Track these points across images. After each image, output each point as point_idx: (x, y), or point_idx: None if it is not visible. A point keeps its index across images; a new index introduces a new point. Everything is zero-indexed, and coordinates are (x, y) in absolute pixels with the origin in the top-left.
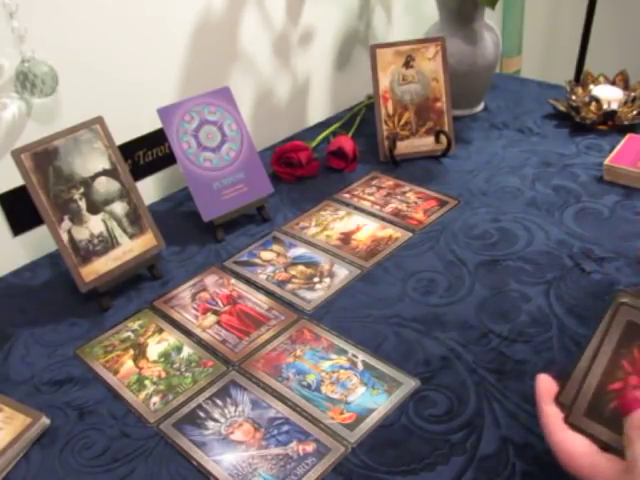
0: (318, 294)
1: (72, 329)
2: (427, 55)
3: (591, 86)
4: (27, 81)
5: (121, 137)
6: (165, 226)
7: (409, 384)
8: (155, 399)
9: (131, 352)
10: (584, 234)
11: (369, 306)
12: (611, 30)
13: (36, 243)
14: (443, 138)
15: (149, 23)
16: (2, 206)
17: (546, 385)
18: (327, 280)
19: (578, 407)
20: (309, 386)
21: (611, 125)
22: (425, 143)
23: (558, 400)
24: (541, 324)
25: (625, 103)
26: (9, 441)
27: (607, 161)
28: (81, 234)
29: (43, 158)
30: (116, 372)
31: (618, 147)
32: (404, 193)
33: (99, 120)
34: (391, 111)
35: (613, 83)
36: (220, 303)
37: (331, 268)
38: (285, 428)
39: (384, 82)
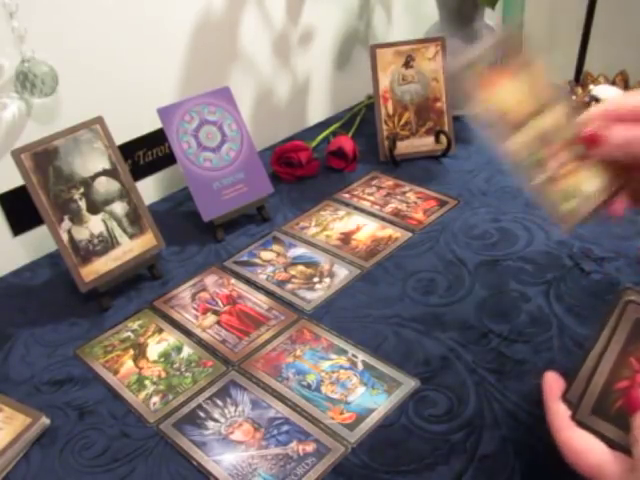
0: (318, 294)
1: (72, 329)
2: (427, 55)
3: (591, 86)
4: (27, 81)
5: (121, 137)
6: (165, 226)
7: (409, 384)
8: (155, 399)
9: (131, 352)
10: (584, 234)
11: (369, 306)
12: (611, 30)
13: (36, 243)
14: (443, 138)
15: (149, 23)
16: (2, 206)
17: (553, 383)
18: (327, 280)
19: (585, 405)
20: (309, 386)
21: None
22: (425, 143)
23: (565, 398)
24: (541, 324)
25: None
26: (9, 441)
27: None
28: (81, 234)
29: (43, 158)
30: (116, 372)
31: None
32: (404, 193)
33: (99, 120)
34: (391, 111)
35: (613, 83)
36: (220, 303)
37: (331, 268)
38: (285, 428)
39: (384, 82)
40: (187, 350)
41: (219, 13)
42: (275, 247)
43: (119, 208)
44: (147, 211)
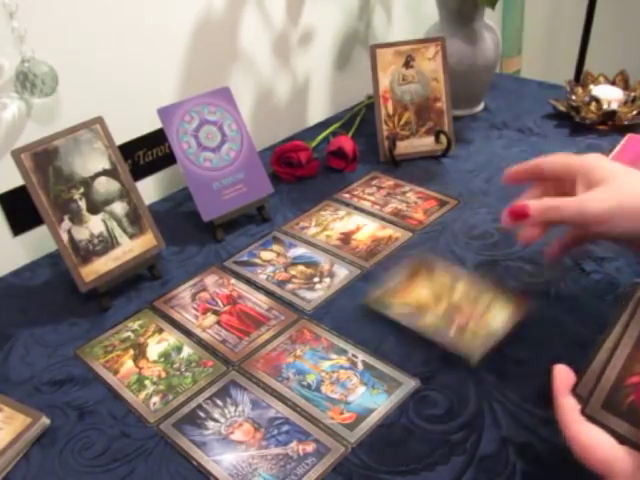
0: (318, 294)
1: (72, 329)
2: (427, 55)
3: (591, 86)
4: (27, 81)
5: (121, 137)
6: (165, 226)
7: (409, 384)
8: (155, 399)
9: (131, 352)
10: None
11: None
12: (611, 30)
13: (36, 243)
14: (443, 138)
15: (149, 23)
16: (2, 206)
17: (563, 376)
18: (327, 280)
19: (595, 399)
20: (309, 386)
21: (611, 125)
22: (425, 143)
23: (575, 392)
24: (541, 324)
25: (625, 103)
26: (9, 441)
27: None
28: (81, 234)
29: (43, 158)
30: (116, 372)
31: (618, 147)
32: (404, 193)
33: (99, 120)
34: (391, 111)
35: (613, 83)
36: (220, 303)
37: (331, 268)
38: (285, 428)
39: (384, 82)
40: (187, 350)
41: (219, 13)
42: (275, 247)
43: (119, 208)
44: (147, 211)
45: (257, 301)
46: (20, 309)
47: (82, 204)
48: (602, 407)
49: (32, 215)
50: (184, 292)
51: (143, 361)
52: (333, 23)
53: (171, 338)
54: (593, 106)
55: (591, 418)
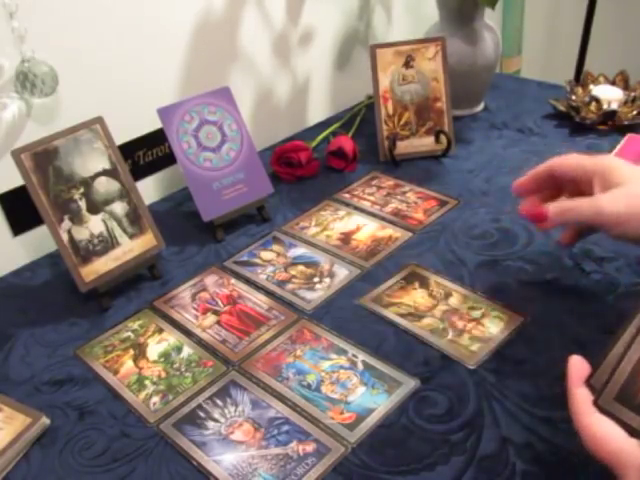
0: (318, 294)
1: (72, 329)
2: (427, 55)
3: (591, 86)
4: (27, 81)
5: (121, 137)
6: (165, 226)
7: (409, 384)
8: (155, 399)
9: (131, 352)
10: None
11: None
12: (611, 30)
13: (36, 243)
14: (443, 138)
15: (149, 23)
16: (2, 206)
17: (578, 367)
18: (327, 280)
19: (609, 391)
20: (309, 386)
21: (611, 125)
22: (425, 143)
23: (589, 383)
24: (541, 324)
25: (625, 103)
26: (9, 441)
27: None
28: (81, 234)
29: (43, 158)
30: (116, 372)
31: (618, 147)
32: (404, 193)
33: (99, 120)
34: (391, 111)
35: (613, 83)
36: (220, 303)
37: (331, 268)
38: (285, 428)
39: (384, 82)
40: (187, 350)
41: (219, 13)
42: (275, 247)
43: (119, 208)
44: (147, 211)
45: (257, 301)
46: (20, 309)
47: (82, 204)
48: (615, 399)
49: (32, 215)
50: (184, 292)
51: (143, 361)
52: (333, 23)
53: (171, 338)
54: (593, 106)
55: (603, 410)
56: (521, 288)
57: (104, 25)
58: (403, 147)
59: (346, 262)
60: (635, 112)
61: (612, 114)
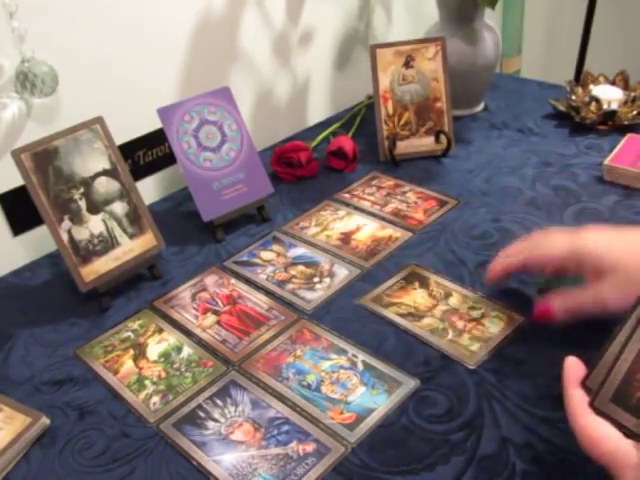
0: (318, 294)
1: (72, 329)
2: (427, 55)
3: (591, 86)
4: (27, 81)
5: (121, 137)
6: (165, 226)
7: (409, 384)
8: (155, 399)
9: (131, 352)
10: None
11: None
12: (611, 30)
13: (36, 243)
14: (443, 138)
15: (149, 23)
16: (2, 206)
17: (574, 368)
18: (327, 280)
19: (605, 392)
20: (309, 386)
21: (611, 125)
22: (425, 143)
23: (585, 384)
24: (541, 324)
25: (625, 103)
26: (9, 441)
27: (607, 161)
28: (81, 234)
29: (43, 158)
30: (116, 372)
31: (618, 147)
32: (404, 193)
33: (99, 120)
34: (391, 111)
35: (613, 83)
36: (220, 303)
37: (331, 268)
38: (285, 428)
39: (384, 82)
40: (187, 350)
41: (219, 13)
42: (275, 247)
43: (119, 208)
44: (147, 211)
45: (257, 301)
46: (20, 309)
47: (82, 204)
48: (611, 400)
49: (32, 215)
50: (184, 292)
51: (143, 361)
52: (333, 23)
53: (171, 338)
54: (593, 106)
55: (599, 411)
56: (521, 288)
57: (104, 25)
58: (403, 147)
59: (346, 262)
60: (635, 112)
61: (612, 114)
